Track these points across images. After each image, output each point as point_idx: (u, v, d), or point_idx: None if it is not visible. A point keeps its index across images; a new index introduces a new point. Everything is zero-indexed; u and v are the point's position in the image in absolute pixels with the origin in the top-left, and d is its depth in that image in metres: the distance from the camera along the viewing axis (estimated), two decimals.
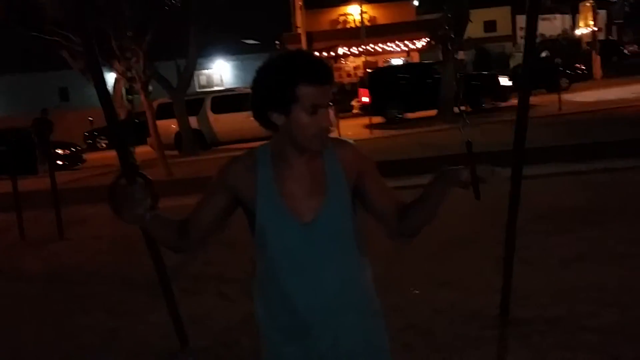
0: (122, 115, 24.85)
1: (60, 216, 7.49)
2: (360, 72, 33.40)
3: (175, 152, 17.24)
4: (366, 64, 28.57)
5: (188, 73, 18.14)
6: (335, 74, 34.77)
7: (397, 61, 35.91)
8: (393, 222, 1.83)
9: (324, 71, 1.68)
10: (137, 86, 13.90)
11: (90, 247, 6.90)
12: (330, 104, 1.73)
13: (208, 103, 18.16)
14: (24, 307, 5.05)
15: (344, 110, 24.73)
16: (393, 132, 15.99)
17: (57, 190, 7.75)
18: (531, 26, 3.34)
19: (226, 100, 18.04)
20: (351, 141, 1.89)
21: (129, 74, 15.40)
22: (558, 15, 39.65)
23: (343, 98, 27.73)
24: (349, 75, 34.66)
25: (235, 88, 23.22)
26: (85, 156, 19.20)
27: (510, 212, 3.57)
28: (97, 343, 4.11)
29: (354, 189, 1.83)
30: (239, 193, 1.80)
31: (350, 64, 34.69)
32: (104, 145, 24.60)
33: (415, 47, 34.07)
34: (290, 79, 1.65)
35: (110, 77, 26.57)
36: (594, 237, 5.10)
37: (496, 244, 4.12)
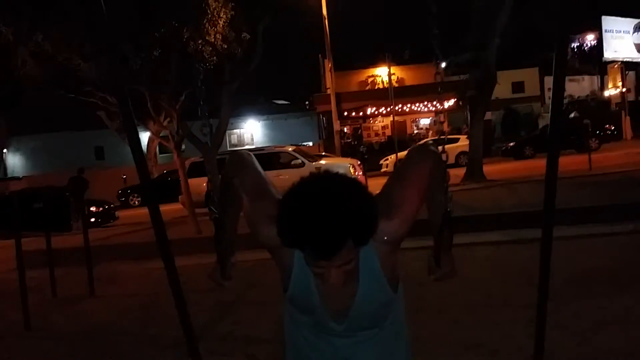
0: (156, 173, 25.37)
1: (92, 274, 7.59)
2: (388, 132, 33.74)
3: (206, 210, 17.41)
4: (394, 124, 28.87)
5: (220, 132, 18.50)
6: (364, 133, 35.19)
7: (425, 121, 36.18)
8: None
9: (327, 249, 1.49)
10: (170, 145, 14.22)
11: (120, 306, 6.95)
12: (343, 264, 1.55)
13: None
14: None
15: (372, 169, 24.88)
16: None
17: (90, 248, 7.87)
18: (558, 86, 3.38)
19: (256, 159, 18.26)
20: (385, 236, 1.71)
21: (162, 134, 15.81)
22: (586, 77, 39.80)
23: (371, 157, 27.95)
24: (377, 134, 34.99)
25: (265, 147, 23.60)
26: (118, 213, 19.50)
27: (541, 274, 3.54)
28: None
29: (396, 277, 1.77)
30: (274, 252, 1.73)
31: (379, 123, 35.05)
32: (137, 202, 24.97)
33: (442, 108, 34.32)
34: (294, 243, 1.52)
35: (144, 137, 27.23)
36: (626, 300, 5.00)
37: (527, 306, 4.07)
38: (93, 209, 17.64)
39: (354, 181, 1.57)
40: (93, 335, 5.85)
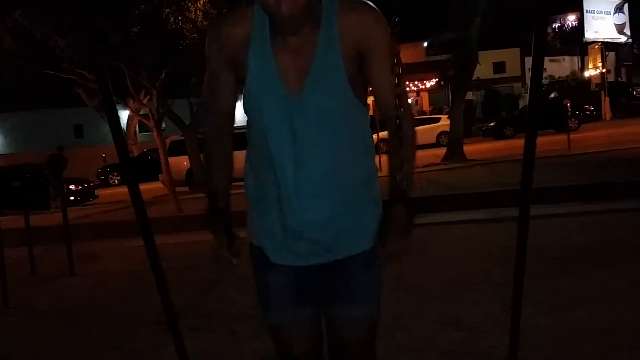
0: (136, 152, 25.19)
1: (72, 252, 7.55)
2: (370, 111, 33.77)
3: (186, 189, 17.37)
4: (374, 104, 28.91)
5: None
6: None
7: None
8: (381, 115, 1.77)
9: None
10: (150, 124, 14.11)
11: (101, 283, 6.94)
12: None
13: None
14: (33, 343, 5.07)
15: None
16: None
17: (69, 226, 7.82)
18: (537, 66, 3.41)
19: (236, 138, 18.26)
20: (369, 4, 1.69)
21: (142, 112, 15.67)
22: (567, 57, 40.04)
23: None
24: None
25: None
26: (97, 192, 19.39)
27: (518, 252, 3.59)
28: None
29: (358, 62, 1.68)
30: (235, 57, 1.71)
31: None
32: (117, 181, 24.83)
33: (424, 87, 34.42)
34: None
35: (124, 115, 26.97)
36: (603, 278, 5.09)
37: (505, 283, 4.12)
38: (72, 187, 17.52)
39: None
40: (73, 312, 5.84)
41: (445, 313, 4.67)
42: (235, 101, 1.82)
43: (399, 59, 1.73)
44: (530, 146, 3.56)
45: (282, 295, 1.83)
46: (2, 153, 30.15)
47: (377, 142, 13.48)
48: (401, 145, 1.74)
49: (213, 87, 1.79)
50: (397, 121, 1.74)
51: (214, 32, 1.74)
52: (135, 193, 2.87)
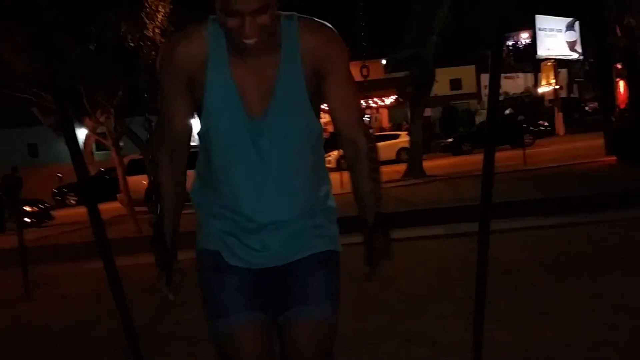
0: (93, 171, 24.76)
1: (28, 276, 7.35)
2: (330, 128, 33.95)
3: (145, 209, 17.12)
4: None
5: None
6: None
7: (366, 117, 36.56)
8: (339, 134, 1.78)
9: None
10: (108, 142, 13.90)
11: (58, 307, 6.76)
12: (259, 11, 1.53)
13: None
14: None
15: None
16: None
17: (25, 249, 7.62)
18: (494, 84, 3.48)
19: (195, 157, 18.17)
20: (328, 26, 1.72)
21: (99, 130, 15.43)
22: (521, 74, 41.02)
23: None
24: None
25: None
26: (54, 213, 18.97)
27: (479, 266, 3.63)
28: None
29: (316, 81, 1.69)
30: (194, 72, 1.66)
31: (322, 119, 35.19)
32: (73, 201, 24.35)
33: (383, 104, 34.80)
34: None
35: (81, 133, 26.53)
36: (561, 290, 5.19)
37: (466, 298, 4.17)
38: (27, 208, 17.09)
39: None
40: (31, 338, 5.67)
41: (409, 329, 4.69)
42: (191, 123, 1.78)
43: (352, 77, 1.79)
44: (489, 161, 3.63)
45: (235, 299, 1.77)
46: None
47: (337, 159, 13.48)
48: (369, 164, 1.78)
49: (168, 112, 1.75)
50: (360, 138, 1.79)
51: (167, 52, 1.69)
52: (94, 214, 2.82)
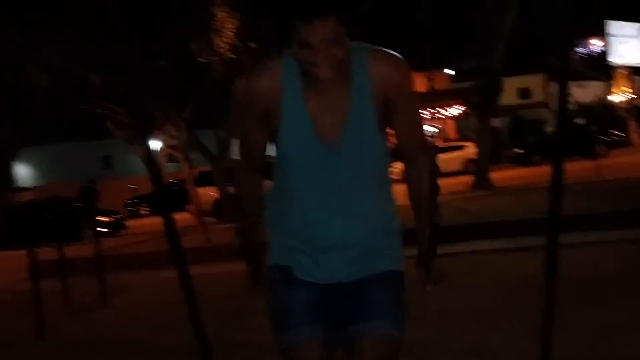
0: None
1: (104, 284, 7.67)
2: (394, 140, 33.82)
3: (214, 219, 17.52)
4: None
5: (228, 142, 18.61)
6: None
7: (432, 129, 36.26)
8: (402, 153, 1.90)
9: (312, 4, 1.56)
10: (179, 154, 14.34)
11: (133, 315, 7.04)
12: (329, 40, 1.59)
13: None
14: None
15: None
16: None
17: (102, 258, 7.96)
18: (563, 93, 3.45)
19: (265, 168, 18.50)
20: (396, 55, 1.80)
21: (171, 143, 15.94)
22: (593, 82, 39.78)
23: None
24: None
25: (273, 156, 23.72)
26: (127, 223, 19.64)
27: (547, 280, 3.60)
28: None
29: (385, 107, 1.77)
30: (270, 106, 1.75)
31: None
32: (146, 212, 25.15)
33: (450, 115, 34.44)
34: (284, 10, 1.61)
35: (153, 146, 27.42)
36: (634, 307, 5.04)
37: (532, 313, 4.11)
38: (102, 218, 17.79)
39: None
40: (106, 344, 5.93)
41: (471, 342, 4.66)
42: (266, 147, 1.89)
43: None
44: (557, 173, 3.60)
45: (301, 313, 1.84)
46: (31, 186, 30.71)
47: (402, 170, 13.34)
48: (419, 195, 1.95)
49: (247, 139, 1.88)
50: (421, 157, 1.92)
51: (245, 86, 1.79)
52: (169, 225, 2.97)
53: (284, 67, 1.74)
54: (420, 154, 1.90)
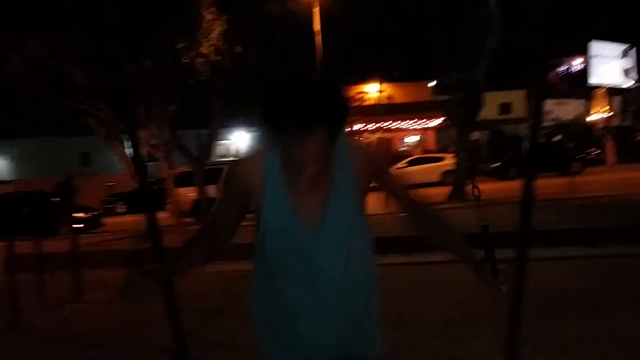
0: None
1: (80, 278, 7.69)
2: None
3: (192, 220, 17.53)
4: (380, 140, 29.15)
5: (210, 144, 18.67)
6: None
7: (414, 138, 36.58)
8: (402, 209, 2.00)
9: (303, 113, 1.62)
10: (160, 154, 14.34)
11: (108, 311, 7.07)
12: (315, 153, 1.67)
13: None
14: None
15: None
16: None
17: (79, 253, 7.98)
18: (538, 109, 3.59)
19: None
20: (364, 146, 1.97)
21: (152, 142, 15.93)
22: (573, 100, 40.41)
23: None
24: None
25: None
26: (103, 220, 19.53)
27: (515, 293, 3.74)
28: None
29: (367, 183, 1.89)
30: (251, 192, 1.83)
31: (367, 139, 35.37)
32: (122, 210, 25.01)
33: (430, 126, 34.77)
34: (272, 115, 1.66)
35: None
36: (598, 321, 5.22)
37: (503, 323, 4.25)
38: (79, 215, 17.68)
39: (330, 75, 1.73)
40: (80, 338, 5.97)
41: (444, 350, 4.80)
42: (233, 232, 1.94)
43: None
44: (529, 188, 3.74)
45: None
46: (9, 179, 30.39)
47: None
48: (438, 218, 2.08)
49: (218, 215, 1.91)
50: (418, 204, 2.05)
51: (230, 170, 1.91)
52: (152, 225, 3.05)
53: (266, 160, 1.82)
54: (415, 203, 2.03)
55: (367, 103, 35.53)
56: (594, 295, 6.05)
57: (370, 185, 1.93)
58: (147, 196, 3.24)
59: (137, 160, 3.15)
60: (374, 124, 32.61)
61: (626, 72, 32.48)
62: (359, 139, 21.83)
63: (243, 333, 5.49)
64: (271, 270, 1.84)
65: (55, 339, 6.03)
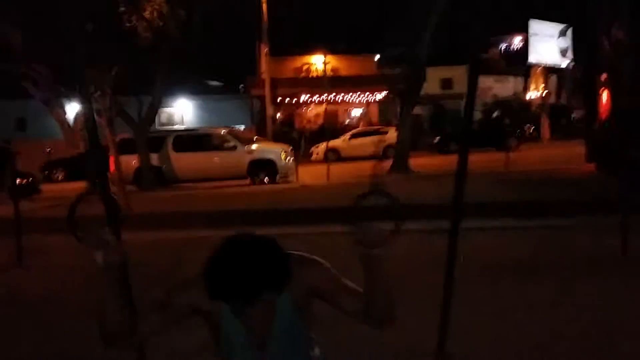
0: (82, 147, 24.89)
1: (20, 244, 7.61)
2: (320, 120, 34.27)
3: (134, 188, 17.36)
4: (327, 112, 29.33)
5: (153, 111, 18.41)
6: (297, 120, 35.55)
7: (357, 111, 36.86)
8: (363, 320, 2.02)
9: (244, 292, 1.74)
10: (102, 120, 14.07)
11: (51, 275, 7.05)
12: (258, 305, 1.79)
13: (170, 141, 18.43)
14: None
15: (303, 156, 25.27)
16: (351, 180, 16.46)
17: (20, 219, 7.88)
18: (472, 85, 3.81)
19: (188, 140, 18.46)
20: (314, 260, 2.01)
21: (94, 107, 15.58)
22: (511, 78, 41.45)
23: (302, 145, 28.33)
24: (309, 122, 35.37)
25: (198, 128, 23.57)
26: (41, 187, 19.09)
27: (448, 258, 3.99)
28: None
29: (312, 299, 2.00)
30: (207, 310, 1.93)
31: (312, 111, 35.46)
32: (60, 177, 24.46)
33: (374, 100, 35.11)
34: (216, 291, 1.77)
35: (70, 109, 26.56)
36: (528, 287, 5.57)
37: (433, 288, 4.52)
38: (17, 180, 17.22)
39: (268, 240, 1.82)
40: (27, 302, 5.96)
41: None
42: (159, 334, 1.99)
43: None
44: (462, 162, 3.98)
45: None
46: None
47: (325, 151, 13.74)
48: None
49: (153, 317, 1.96)
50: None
51: (185, 286, 1.97)
52: (104, 188, 3.12)
53: None
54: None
55: (312, 75, 35.56)
56: (526, 264, 6.43)
57: (311, 301, 2.02)
58: (99, 161, 3.30)
59: (90, 124, 3.20)
60: (318, 95, 32.69)
61: (563, 51, 33.48)
62: (305, 110, 21.74)
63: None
64: None
65: None
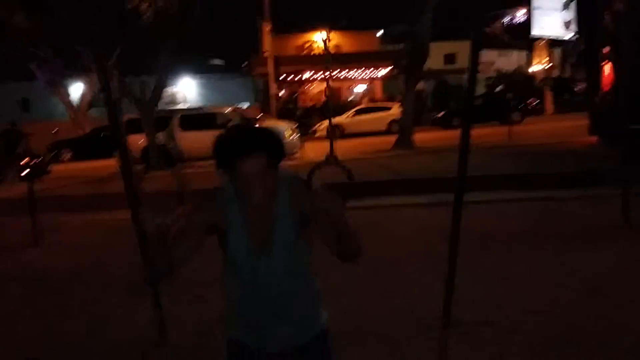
0: (87, 128, 25.05)
1: (36, 223, 7.81)
2: (323, 97, 34.28)
3: (141, 167, 17.53)
4: (330, 89, 29.27)
5: (158, 90, 18.52)
6: (300, 98, 35.58)
7: (361, 88, 36.87)
8: (333, 248, 2.15)
9: (243, 144, 2.00)
10: None
11: (67, 253, 7.25)
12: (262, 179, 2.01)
13: (176, 120, 18.56)
14: (5, 309, 5.39)
15: (306, 133, 25.39)
16: (356, 155, 16.65)
17: (34, 199, 8.07)
18: (475, 59, 3.94)
19: (194, 119, 18.60)
20: (300, 177, 2.27)
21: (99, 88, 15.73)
22: (515, 51, 41.29)
23: (306, 121, 28.43)
24: (312, 99, 35.42)
25: (203, 107, 23.68)
26: (49, 168, 19.29)
27: (453, 228, 4.16)
28: (80, 339, 4.50)
29: (305, 215, 2.18)
30: (216, 224, 2.18)
31: (315, 88, 35.48)
32: (68, 157, 24.67)
33: (378, 76, 35.09)
34: (220, 152, 2.04)
35: (76, 90, 26.68)
36: (530, 257, 5.75)
37: (438, 259, 4.71)
38: (24, 161, 17.42)
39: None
40: (45, 280, 6.16)
41: (387, 282, 5.26)
42: (192, 255, 2.20)
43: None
44: (465, 136, 4.14)
45: None
46: None
47: (328, 128, 13.70)
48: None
49: (182, 237, 2.18)
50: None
51: (196, 206, 2.22)
52: (126, 168, 3.29)
53: (226, 191, 2.17)
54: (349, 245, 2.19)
55: (314, 52, 35.49)
56: (529, 234, 6.59)
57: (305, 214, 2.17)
58: (120, 143, 3.47)
59: (111, 106, 3.36)
60: (321, 72, 32.68)
61: (566, 24, 33.28)
62: (308, 88, 21.75)
63: (201, 268, 5.78)
64: (233, 281, 2.26)
65: (18, 281, 6.20)
